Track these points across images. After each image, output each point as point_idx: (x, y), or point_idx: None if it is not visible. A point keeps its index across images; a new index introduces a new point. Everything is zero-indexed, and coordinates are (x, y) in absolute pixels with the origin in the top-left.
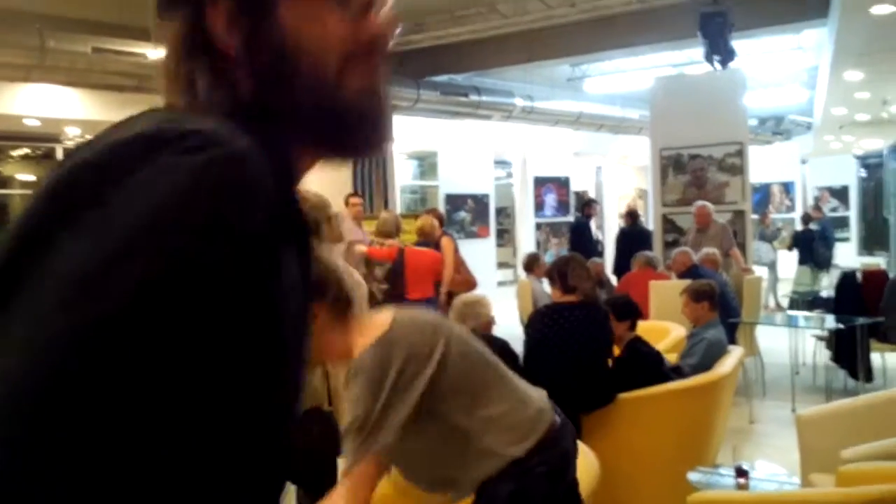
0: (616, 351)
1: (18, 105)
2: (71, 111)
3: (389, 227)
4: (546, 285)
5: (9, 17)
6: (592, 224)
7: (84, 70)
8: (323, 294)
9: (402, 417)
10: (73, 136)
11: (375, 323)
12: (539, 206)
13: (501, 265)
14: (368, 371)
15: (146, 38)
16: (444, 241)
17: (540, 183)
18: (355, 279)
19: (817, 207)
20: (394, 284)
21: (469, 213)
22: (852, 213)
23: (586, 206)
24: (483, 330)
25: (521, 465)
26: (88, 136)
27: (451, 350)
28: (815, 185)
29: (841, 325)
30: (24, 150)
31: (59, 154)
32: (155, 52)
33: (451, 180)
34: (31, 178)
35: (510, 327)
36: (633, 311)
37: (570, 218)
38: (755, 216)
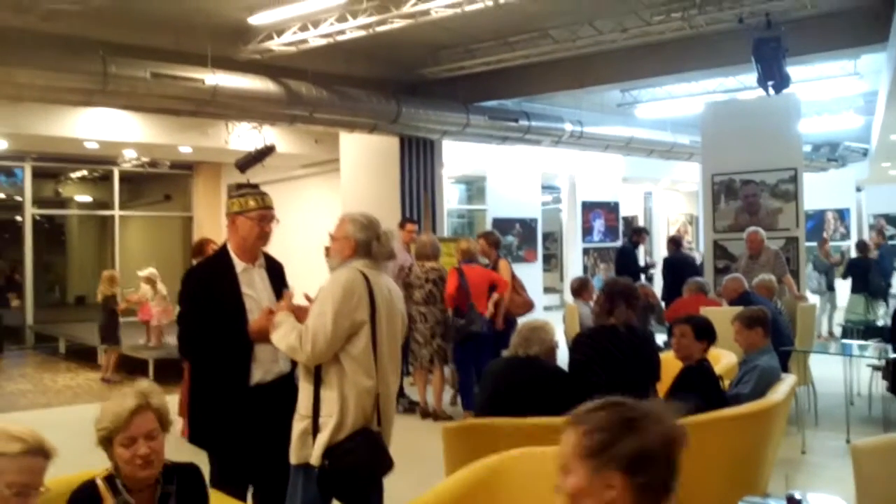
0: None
1: (79, 128)
2: (128, 134)
3: (428, 249)
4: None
5: (74, 44)
6: (640, 251)
7: (143, 95)
8: None
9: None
10: (130, 158)
11: None
12: (587, 231)
13: (547, 290)
14: None
15: (203, 63)
16: (502, 264)
17: (588, 208)
18: (399, 295)
19: (881, 232)
20: (460, 300)
21: (516, 237)
22: None
23: (636, 233)
24: (546, 356)
25: None
26: (144, 159)
27: None
28: (871, 212)
29: None
30: (83, 172)
31: (116, 176)
32: (211, 78)
33: (499, 204)
34: (88, 198)
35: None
36: (712, 333)
37: (619, 243)
38: (812, 244)
